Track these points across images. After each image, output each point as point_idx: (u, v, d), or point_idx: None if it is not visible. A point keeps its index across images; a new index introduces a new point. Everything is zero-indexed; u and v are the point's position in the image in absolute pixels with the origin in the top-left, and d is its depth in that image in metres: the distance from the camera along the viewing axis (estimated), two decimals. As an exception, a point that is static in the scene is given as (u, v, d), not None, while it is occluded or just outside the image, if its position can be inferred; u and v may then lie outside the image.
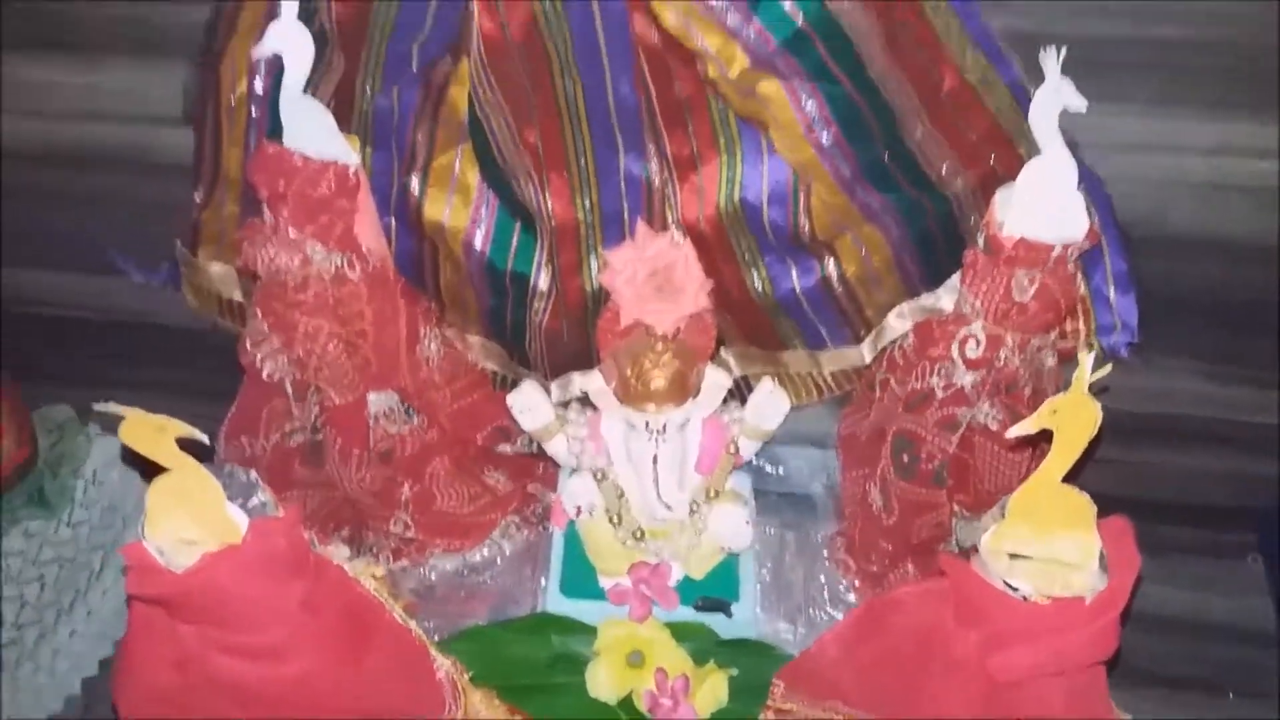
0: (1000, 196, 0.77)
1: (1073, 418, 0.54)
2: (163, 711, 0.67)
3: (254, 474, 0.81)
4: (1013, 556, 0.58)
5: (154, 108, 0.90)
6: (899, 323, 0.90)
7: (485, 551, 1.00)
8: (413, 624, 0.73)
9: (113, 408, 0.54)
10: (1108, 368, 0.54)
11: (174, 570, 0.58)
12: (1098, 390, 0.54)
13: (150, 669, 0.65)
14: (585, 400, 0.93)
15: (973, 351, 0.80)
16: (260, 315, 0.84)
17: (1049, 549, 0.56)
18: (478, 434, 0.96)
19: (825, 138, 0.73)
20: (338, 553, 0.68)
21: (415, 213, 0.87)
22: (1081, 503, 0.56)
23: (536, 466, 1.03)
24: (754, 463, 1.03)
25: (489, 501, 0.98)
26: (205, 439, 0.56)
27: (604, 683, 0.88)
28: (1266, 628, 1.05)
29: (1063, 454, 0.55)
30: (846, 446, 1.00)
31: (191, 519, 0.58)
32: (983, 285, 0.78)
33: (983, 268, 0.77)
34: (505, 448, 0.98)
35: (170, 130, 0.91)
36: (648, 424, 0.85)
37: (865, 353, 0.93)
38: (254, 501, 0.76)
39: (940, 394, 0.83)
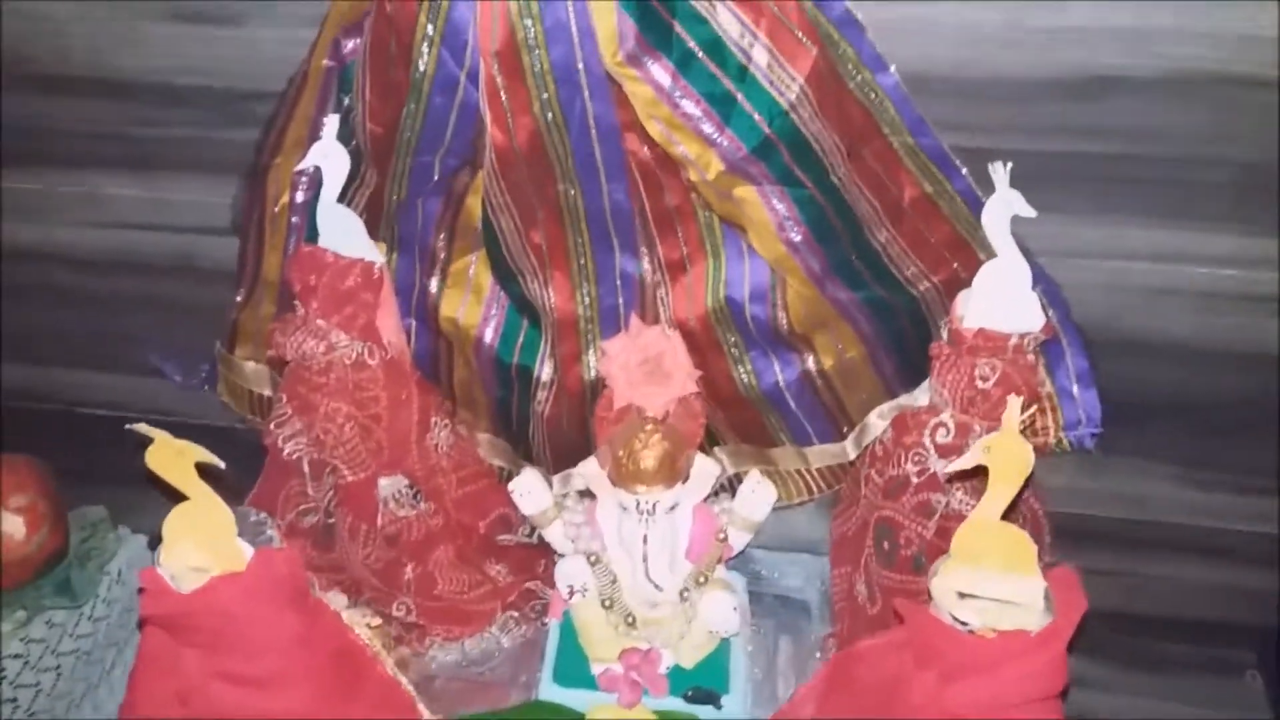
0: (962, 296, 0.84)
1: (1005, 455, 0.59)
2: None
3: (264, 514, 0.87)
4: (961, 596, 0.62)
5: (204, 218, 1.01)
6: (879, 422, 0.96)
7: (484, 645, 1.03)
8: (403, 677, 0.76)
9: (143, 429, 0.61)
10: (1031, 409, 0.60)
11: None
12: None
13: (154, 702, 0.69)
14: (583, 494, 0.99)
15: (944, 438, 0.85)
16: (285, 399, 0.92)
17: (991, 586, 0.60)
18: (481, 521, 1.01)
19: (795, 235, 0.81)
20: (336, 599, 0.73)
21: (433, 311, 0.96)
22: (1020, 538, 0.60)
23: (537, 563, 1.07)
24: (750, 567, 1.07)
25: (489, 590, 1.02)
26: (223, 465, 0.63)
27: (591, 767, 0.89)
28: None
29: (999, 491, 0.60)
30: (836, 546, 1.03)
31: (202, 547, 0.64)
32: (949, 375, 0.84)
33: (947, 359, 0.84)
34: (507, 537, 1.03)
35: (215, 239, 1.02)
36: (638, 504, 0.90)
37: (849, 449, 0.98)
38: (261, 539, 0.81)
39: (915, 480, 0.87)
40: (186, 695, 0.68)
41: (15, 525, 1.10)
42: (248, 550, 0.65)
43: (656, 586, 0.91)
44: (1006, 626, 0.60)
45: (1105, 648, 1.09)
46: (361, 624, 0.74)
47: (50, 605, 1.14)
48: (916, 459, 0.87)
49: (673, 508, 0.91)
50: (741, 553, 0.98)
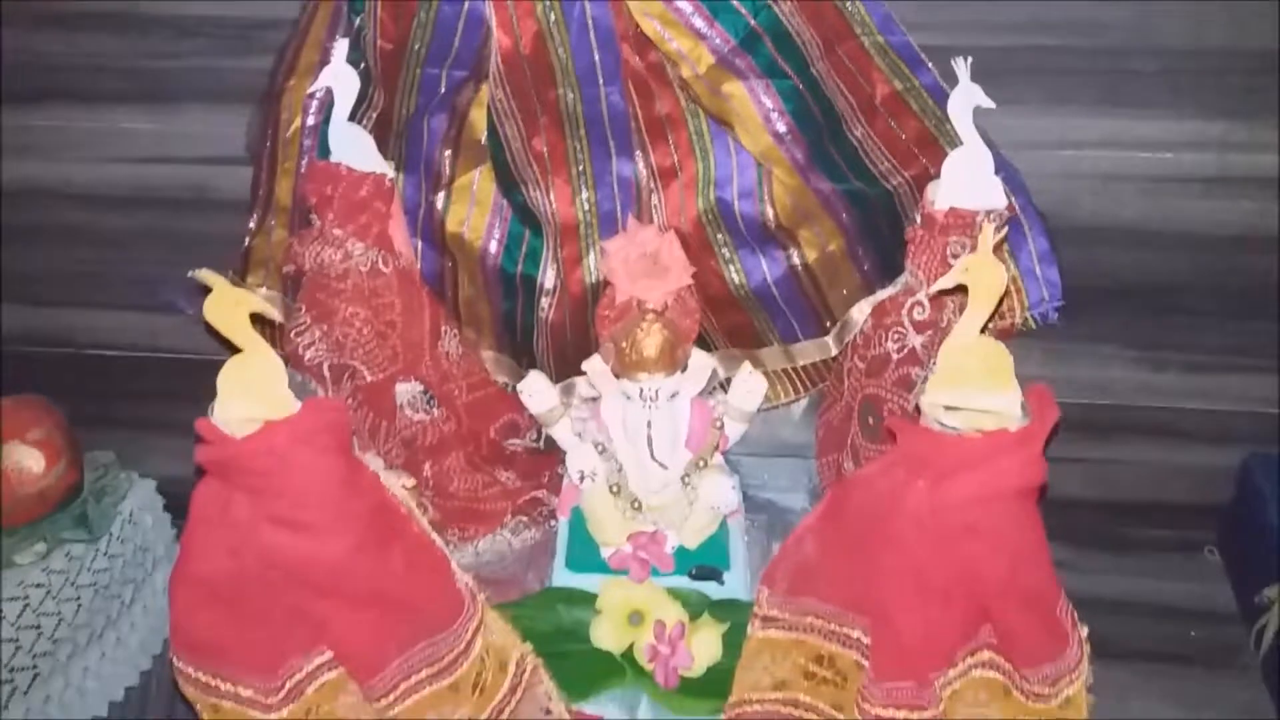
0: (931, 186, 0.92)
1: (982, 273, 0.67)
2: (214, 603, 0.75)
3: (307, 376, 0.92)
4: (947, 409, 0.69)
5: (216, 149, 1.07)
6: (859, 315, 1.03)
7: (496, 545, 1.09)
8: (437, 538, 0.82)
9: (204, 274, 0.66)
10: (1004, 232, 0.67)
11: (235, 440, 0.69)
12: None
13: (207, 558, 0.74)
14: (585, 402, 1.05)
15: (920, 315, 0.93)
16: (304, 309, 0.97)
17: (975, 397, 0.67)
18: (490, 426, 1.07)
19: (781, 126, 0.89)
20: (373, 461, 0.79)
21: (439, 227, 1.02)
22: (999, 351, 0.68)
23: (543, 473, 1.13)
24: (740, 473, 1.13)
25: (500, 491, 1.08)
26: (279, 317, 0.68)
27: (607, 637, 0.95)
28: (1228, 608, 1.12)
29: (978, 307, 0.67)
30: (823, 438, 1.10)
31: (254, 397, 0.69)
32: (923, 256, 0.91)
33: (921, 240, 0.91)
34: (515, 441, 1.09)
35: (226, 169, 1.07)
36: (642, 392, 0.96)
37: (832, 344, 1.06)
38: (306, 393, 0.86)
39: (895, 356, 0.95)
40: (237, 546, 0.73)
41: (34, 458, 1.14)
42: (296, 402, 0.71)
43: (662, 465, 0.97)
44: (989, 428, 0.67)
45: (1073, 532, 1.16)
46: (397, 485, 0.80)
47: (68, 538, 1.18)
48: (896, 336, 0.95)
49: (673, 395, 0.98)
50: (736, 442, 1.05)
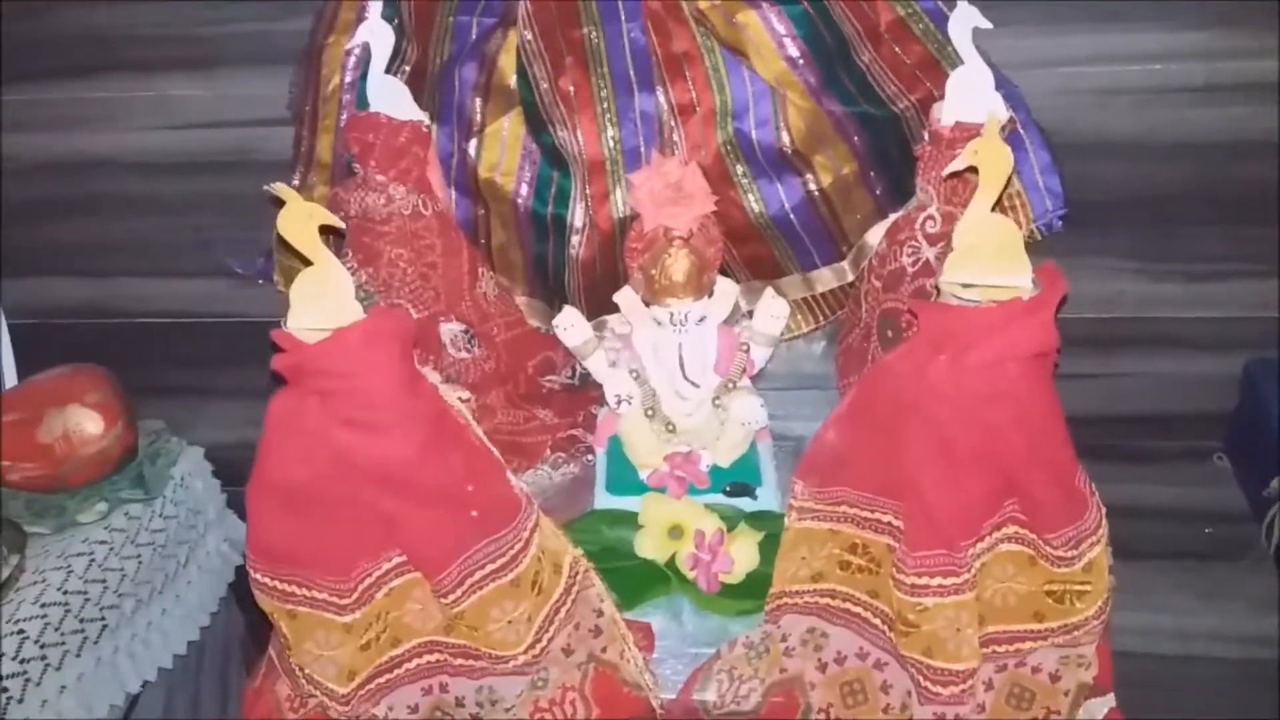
0: (936, 107, 0.98)
1: (989, 154, 0.72)
2: (289, 508, 0.81)
3: (371, 287, 0.98)
4: (965, 286, 0.75)
5: (262, 111, 1.13)
6: (874, 239, 1.09)
7: (537, 479, 1.14)
8: (492, 446, 0.87)
9: (278, 188, 0.72)
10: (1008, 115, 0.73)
11: (309, 348, 0.75)
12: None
13: (282, 465, 0.80)
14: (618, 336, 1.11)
15: (932, 227, 0.98)
16: (351, 253, 1.03)
17: (989, 271, 0.73)
18: (528, 362, 1.12)
19: (793, 50, 0.95)
20: (431, 375, 0.84)
21: (471, 174, 1.08)
22: (1010, 227, 0.73)
23: (579, 411, 1.18)
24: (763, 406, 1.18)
25: (539, 426, 1.14)
26: (344, 225, 0.74)
27: (650, 547, 1.00)
28: (1240, 509, 1.17)
29: (987, 187, 0.73)
30: (843, 363, 1.16)
31: (324, 308, 0.75)
32: (932, 171, 0.97)
33: (929, 156, 0.97)
34: (552, 378, 1.15)
35: (271, 129, 1.13)
36: (671, 316, 1.02)
37: (848, 269, 1.11)
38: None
39: (910, 270, 1.00)
40: (311, 452, 0.79)
41: (93, 419, 1.20)
42: (363, 313, 0.76)
43: (694, 384, 1.03)
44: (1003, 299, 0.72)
45: (1086, 447, 1.21)
46: (453, 396, 0.85)
47: (127, 498, 1.23)
48: (910, 250, 1.00)
49: (701, 320, 1.03)
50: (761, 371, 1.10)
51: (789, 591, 0.93)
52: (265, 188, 0.74)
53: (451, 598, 0.84)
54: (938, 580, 0.80)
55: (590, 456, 1.15)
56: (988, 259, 0.73)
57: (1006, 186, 0.74)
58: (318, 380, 0.76)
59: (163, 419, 1.34)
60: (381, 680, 0.89)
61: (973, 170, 0.74)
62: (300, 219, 0.73)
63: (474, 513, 0.82)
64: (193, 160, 1.17)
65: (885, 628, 0.89)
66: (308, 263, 0.73)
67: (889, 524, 0.86)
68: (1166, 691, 1.07)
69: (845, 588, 0.91)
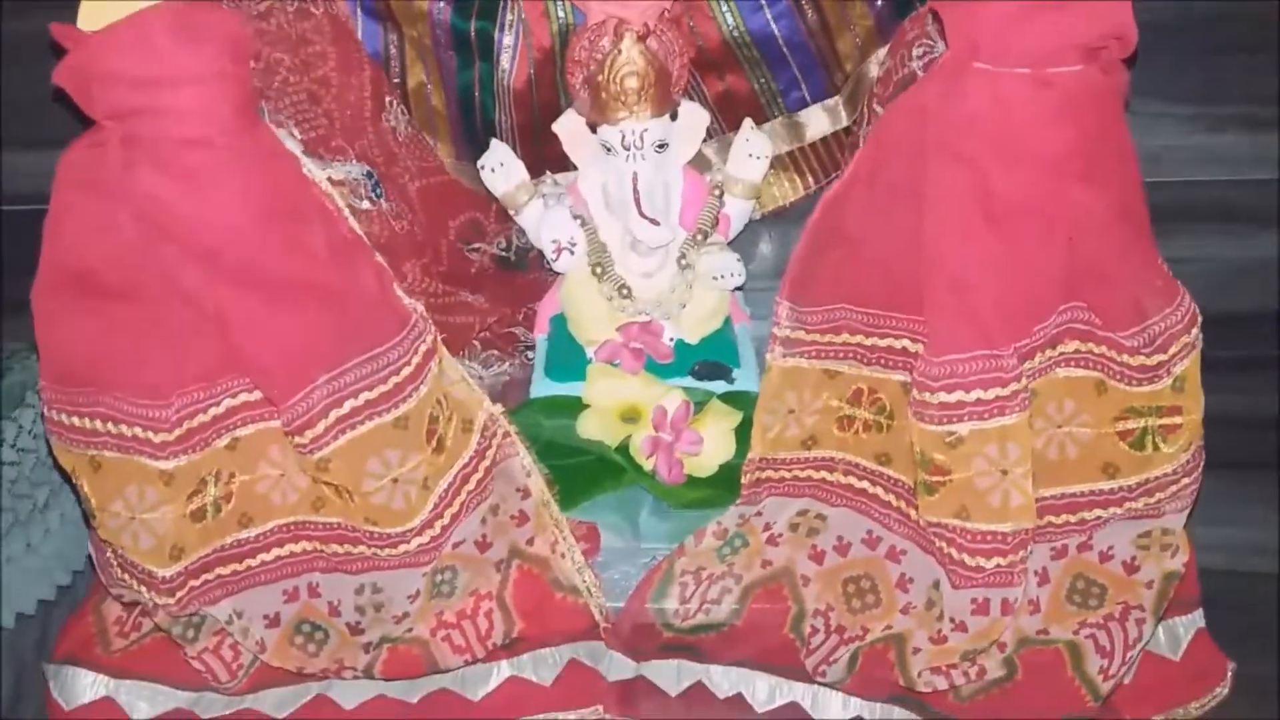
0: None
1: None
2: (86, 302, 0.59)
3: None
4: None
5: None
6: (874, 70, 0.90)
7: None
8: (377, 255, 0.66)
9: None
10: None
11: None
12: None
13: (75, 244, 0.59)
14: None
15: (946, 20, 0.79)
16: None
17: None
18: (449, 222, 0.91)
19: None
20: (289, 140, 0.63)
21: (379, -13, 0.88)
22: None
23: (518, 305, 0.96)
24: (749, 308, 0.97)
25: (466, 305, 0.92)
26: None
27: (596, 428, 0.78)
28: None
29: None
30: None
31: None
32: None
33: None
34: (480, 246, 0.93)
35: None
36: (624, 138, 0.81)
37: (843, 111, 0.92)
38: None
39: (921, 73, 0.81)
40: (108, 218, 0.57)
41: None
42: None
43: (652, 221, 0.81)
44: None
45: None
46: (323, 176, 0.64)
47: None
48: (922, 50, 0.80)
49: (662, 147, 0.83)
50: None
51: (773, 461, 0.71)
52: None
53: (310, 435, 0.61)
54: (975, 394, 0.58)
55: (530, 353, 0.93)
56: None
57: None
58: (111, 94, 0.54)
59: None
60: (225, 572, 0.66)
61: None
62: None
63: (338, 319, 0.60)
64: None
65: (902, 504, 0.67)
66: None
67: (903, 352, 0.64)
68: (1252, 613, 0.86)
69: (847, 454, 0.69)
